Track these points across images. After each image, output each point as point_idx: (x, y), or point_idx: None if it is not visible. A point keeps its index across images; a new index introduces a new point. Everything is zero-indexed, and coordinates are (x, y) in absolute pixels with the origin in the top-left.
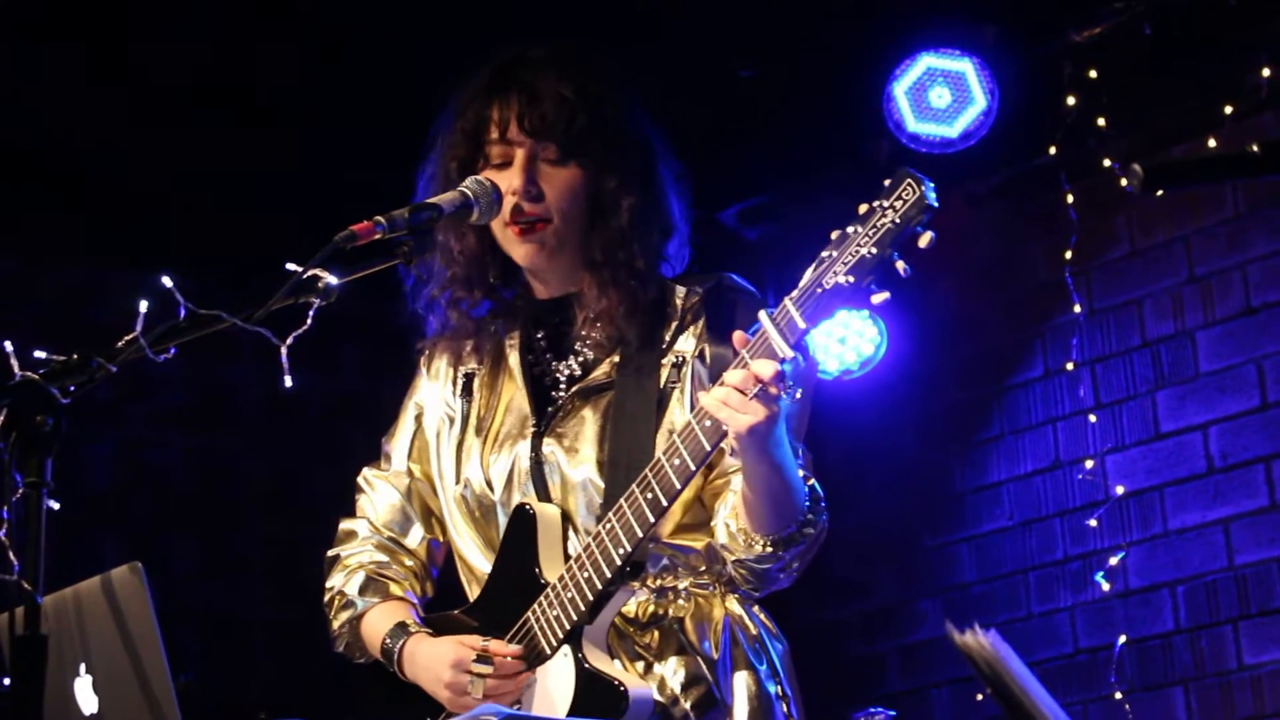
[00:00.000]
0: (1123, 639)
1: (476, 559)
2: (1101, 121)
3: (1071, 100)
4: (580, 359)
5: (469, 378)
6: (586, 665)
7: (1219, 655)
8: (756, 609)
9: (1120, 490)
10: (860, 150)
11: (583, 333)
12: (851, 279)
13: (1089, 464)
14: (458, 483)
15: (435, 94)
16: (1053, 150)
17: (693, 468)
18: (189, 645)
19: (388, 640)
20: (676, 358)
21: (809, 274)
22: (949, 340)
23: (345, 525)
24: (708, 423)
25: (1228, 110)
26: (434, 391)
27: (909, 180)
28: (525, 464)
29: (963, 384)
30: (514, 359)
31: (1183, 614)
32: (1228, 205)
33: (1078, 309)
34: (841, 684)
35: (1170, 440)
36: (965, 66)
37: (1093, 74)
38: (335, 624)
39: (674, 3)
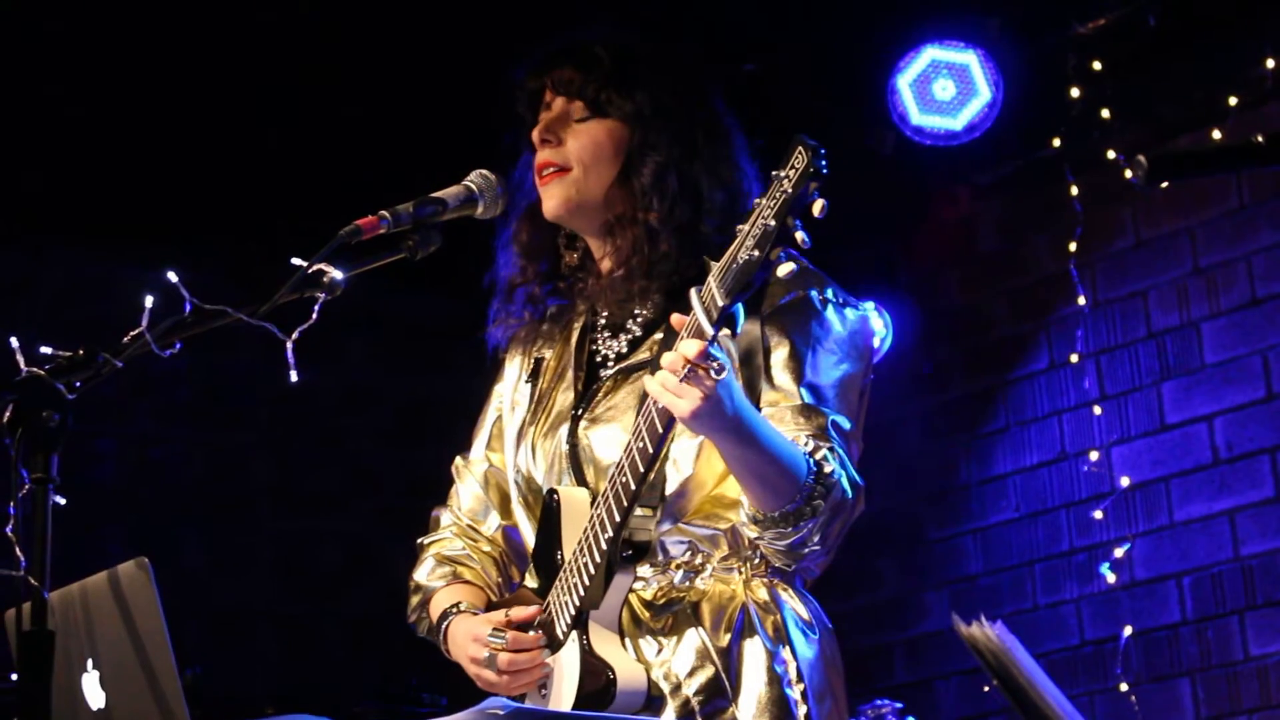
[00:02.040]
0: (1129, 630)
1: (532, 543)
2: (1106, 113)
3: (1076, 92)
4: (629, 336)
5: (538, 363)
6: (589, 650)
7: (1225, 646)
8: (789, 594)
9: (1126, 482)
10: (865, 143)
11: (633, 309)
12: (757, 253)
13: (1094, 455)
14: (514, 468)
15: (439, 90)
16: (1057, 142)
17: (652, 451)
18: (196, 640)
19: (440, 621)
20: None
21: (729, 249)
22: (954, 332)
23: (435, 513)
24: (659, 405)
25: (1232, 101)
26: (511, 378)
27: (800, 148)
28: (565, 448)
29: (968, 376)
30: (574, 339)
31: (1189, 605)
32: (1232, 196)
33: (1082, 301)
34: (848, 676)
35: (1176, 431)
36: (969, 59)
37: (1097, 65)
38: (410, 610)
39: None
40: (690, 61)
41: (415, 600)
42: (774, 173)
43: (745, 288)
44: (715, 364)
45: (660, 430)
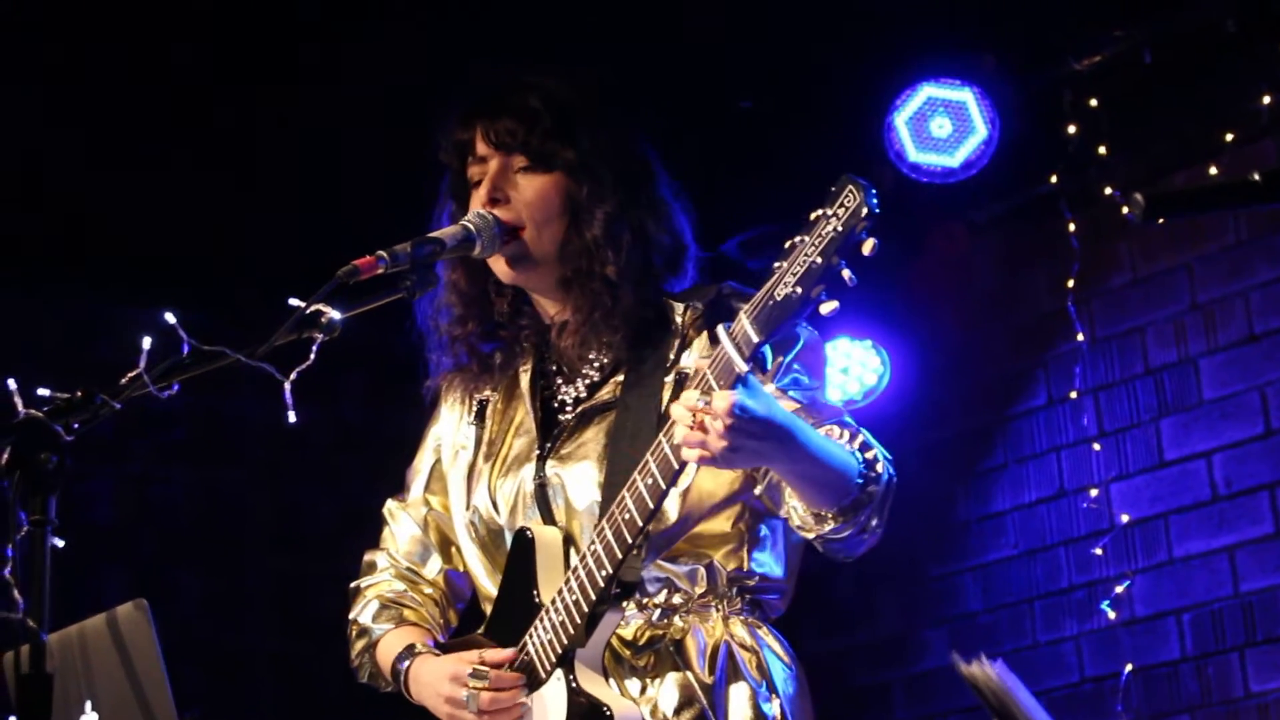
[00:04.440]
0: (1129, 667)
1: (488, 584)
2: (1102, 150)
3: (1072, 129)
4: (587, 380)
5: (483, 405)
6: (576, 689)
7: (1225, 683)
8: (764, 631)
9: (1125, 518)
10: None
11: (589, 355)
12: (800, 290)
13: (1093, 492)
14: (467, 509)
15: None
16: (1054, 179)
17: (664, 486)
18: (195, 681)
19: (396, 663)
20: (680, 375)
21: (764, 286)
22: (952, 369)
23: (368, 556)
24: (672, 443)
25: (1228, 138)
26: (451, 421)
27: (850, 186)
28: (530, 487)
29: (966, 413)
30: (524, 383)
31: (1189, 642)
32: (1229, 232)
33: (1080, 337)
34: (847, 714)
35: (1174, 468)
36: (966, 96)
37: (1093, 102)
38: (353, 654)
39: (673, 34)
40: (614, 100)
41: (360, 644)
42: (821, 211)
43: (783, 325)
44: (744, 417)
45: (675, 466)
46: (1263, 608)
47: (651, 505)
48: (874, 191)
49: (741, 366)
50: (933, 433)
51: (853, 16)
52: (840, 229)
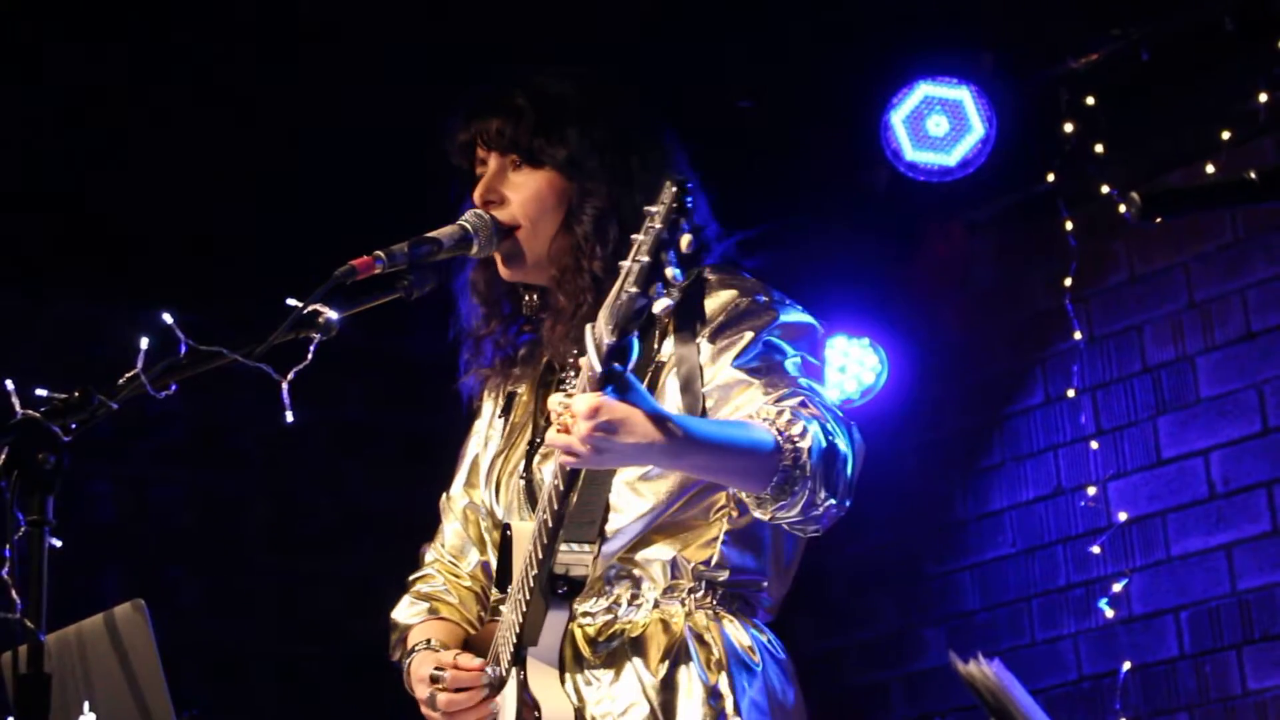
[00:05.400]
0: (1127, 665)
1: None
2: (1099, 148)
3: (1069, 127)
4: None
5: (511, 398)
6: (524, 687)
7: (1223, 681)
8: (734, 625)
9: (1123, 516)
10: (858, 179)
11: None
12: (636, 289)
13: (1091, 491)
14: (482, 503)
15: (433, 130)
16: (1051, 177)
17: (563, 487)
18: (193, 682)
19: (404, 659)
20: (657, 366)
21: (615, 284)
22: (949, 368)
23: (421, 550)
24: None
25: (1225, 136)
26: (487, 414)
27: (668, 184)
28: (520, 482)
29: (964, 411)
30: (538, 376)
31: (1186, 640)
32: (1227, 231)
33: (1078, 336)
34: (844, 713)
35: (1172, 466)
36: (963, 94)
37: (1090, 101)
38: (391, 649)
39: (670, 34)
40: (612, 88)
41: (394, 637)
42: (645, 208)
43: (631, 323)
44: (608, 417)
45: (567, 470)
46: (1260, 605)
47: (557, 506)
48: (690, 186)
49: (597, 367)
50: (930, 431)
51: (849, 15)
52: (658, 226)
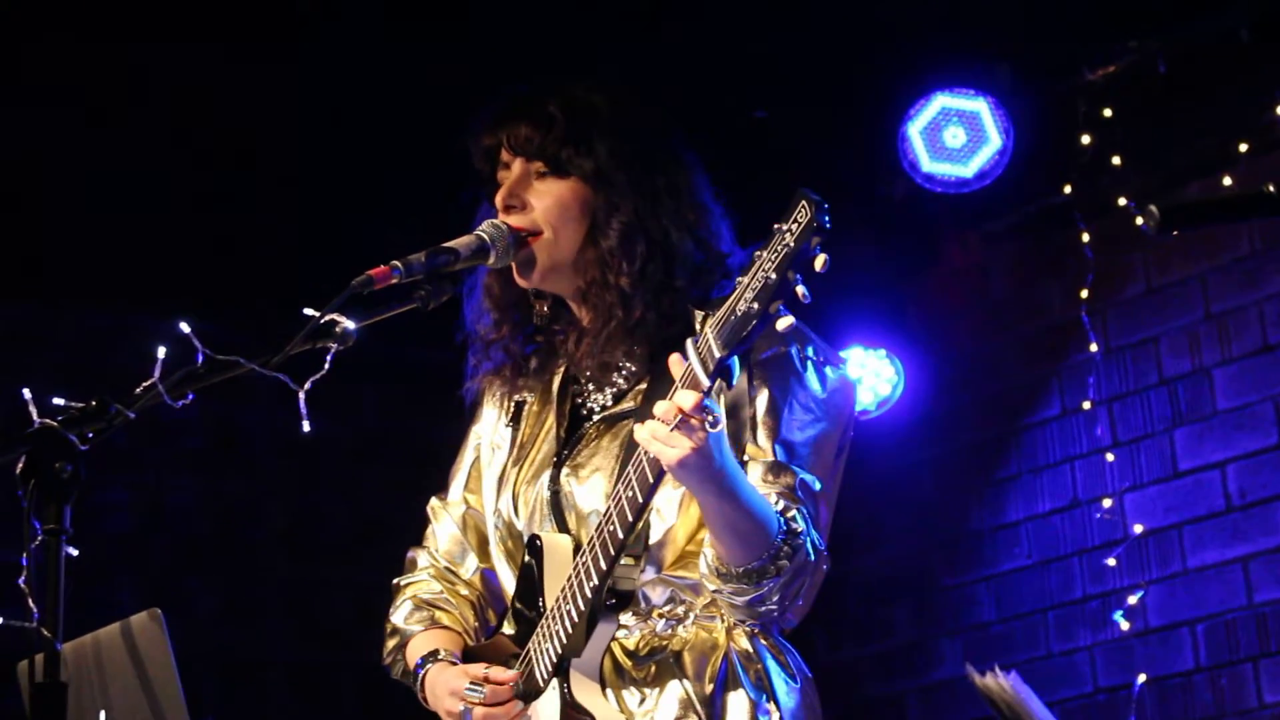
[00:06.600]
0: (1143, 678)
1: (511, 588)
2: (1116, 160)
3: (1086, 139)
4: (614, 389)
5: (519, 406)
6: (569, 699)
7: (1239, 694)
8: (769, 643)
9: (1139, 529)
10: (875, 191)
11: (618, 363)
12: (757, 305)
13: (1107, 503)
14: (494, 511)
15: (446, 138)
16: (1068, 189)
17: (641, 500)
18: (209, 690)
19: (416, 668)
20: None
21: (728, 301)
22: (966, 379)
23: (410, 554)
24: (648, 454)
25: (1243, 148)
26: (490, 420)
27: (804, 202)
28: (546, 494)
29: (980, 423)
30: (555, 387)
31: (1202, 653)
32: (1244, 243)
33: (1094, 347)
34: None
35: (1188, 478)
36: (980, 106)
37: (1107, 112)
38: (385, 652)
39: (687, 44)
40: (643, 105)
41: (392, 643)
42: (776, 225)
43: (742, 340)
44: (710, 416)
45: (650, 479)
46: (1276, 618)
47: (631, 518)
48: (826, 206)
49: (704, 382)
50: (946, 443)
51: (867, 27)
52: (793, 245)
